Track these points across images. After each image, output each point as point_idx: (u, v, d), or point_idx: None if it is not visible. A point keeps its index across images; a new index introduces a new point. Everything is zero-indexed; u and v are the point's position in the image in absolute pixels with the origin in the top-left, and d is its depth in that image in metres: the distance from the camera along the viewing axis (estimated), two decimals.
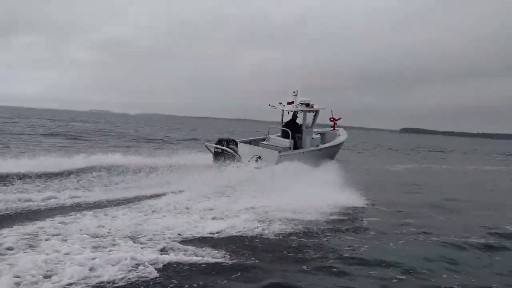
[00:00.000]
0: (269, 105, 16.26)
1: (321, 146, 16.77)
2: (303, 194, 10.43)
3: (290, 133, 15.50)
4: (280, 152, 14.64)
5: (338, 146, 17.71)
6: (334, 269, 6.13)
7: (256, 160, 14.26)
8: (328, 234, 8.05)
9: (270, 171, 13.00)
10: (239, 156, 14.22)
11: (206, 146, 15.57)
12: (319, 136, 17.35)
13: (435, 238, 8.25)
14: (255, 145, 15.64)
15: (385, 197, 13.05)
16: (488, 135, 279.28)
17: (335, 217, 9.44)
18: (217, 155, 14.46)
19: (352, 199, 11.18)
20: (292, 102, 16.14)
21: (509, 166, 34.54)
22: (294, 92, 16.38)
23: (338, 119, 18.60)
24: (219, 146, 14.50)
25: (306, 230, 8.10)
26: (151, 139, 35.07)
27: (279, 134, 16.54)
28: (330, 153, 17.09)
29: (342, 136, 18.31)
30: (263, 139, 16.50)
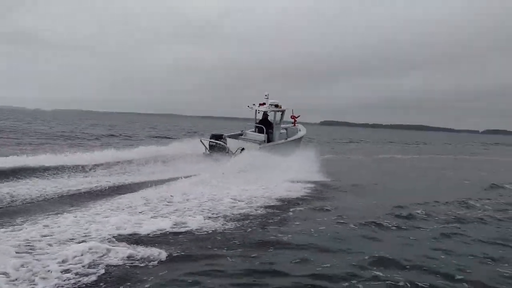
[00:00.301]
0: (248, 106, 19.69)
1: (289, 139, 19.96)
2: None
3: (264, 129, 18.82)
4: (260, 144, 18.14)
5: (301, 139, 21.18)
6: (256, 256, 6.58)
7: (240, 152, 17.35)
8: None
9: (252, 156, 16.62)
10: (228, 148, 17.66)
11: (201, 141, 18.62)
12: (285, 131, 20.50)
13: (349, 220, 9.12)
14: (236, 139, 18.56)
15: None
16: (400, 126, 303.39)
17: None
18: (211, 147, 18.07)
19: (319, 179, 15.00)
20: (264, 104, 19.36)
21: (421, 155, 37.62)
22: (265, 95, 19.59)
23: (298, 117, 21.32)
24: (213, 140, 18.18)
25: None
26: (66, 135, 33.52)
27: (253, 130, 19.57)
28: (297, 145, 20.31)
29: (302, 131, 21.53)
30: (241, 134, 19.50)
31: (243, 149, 17.52)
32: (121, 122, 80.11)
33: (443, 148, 55.37)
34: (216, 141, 18.19)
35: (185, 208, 9.27)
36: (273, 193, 11.64)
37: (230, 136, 18.76)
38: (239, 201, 10.39)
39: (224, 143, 18.01)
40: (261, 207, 9.95)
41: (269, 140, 19.03)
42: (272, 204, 10.44)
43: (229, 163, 15.82)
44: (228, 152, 17.48)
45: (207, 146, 18.25)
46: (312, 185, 13.58)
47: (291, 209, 10.05)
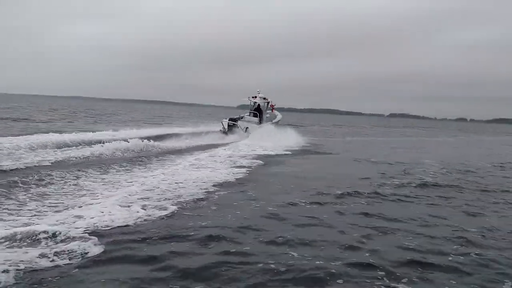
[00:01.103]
0: (248, 97, 29.65)
1: (274, 121, 30.39)
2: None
3: (258, 114, 28.75)
4: (257, 124, 27.96)
5: (279, 121, 31.61)
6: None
7: (245, 129, 27.02)
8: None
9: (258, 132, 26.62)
10: (239, 128, 27.35)
11: (221, 123, 28.51)
12: (269, 115, 30.68)
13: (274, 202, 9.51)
14: (243, 121, 28.16)
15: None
16: (314, 110, 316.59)
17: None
18: (229, 127, 27.75)
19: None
20: (256, 97, 29.61)
21: (345, 137, 39.66)
22: (258, 91, 29.79)
23: (274, 105, 31.13)
24: (232, 122, 27.97)
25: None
26: None
27: (248, 114, 29.10)
28: (278, 124, 30.33)
29: (279, 115, 32.21)
30: (241, 118, 28.77)
31: (247, 128, 27.22)
32: (23, 105, 73.44)
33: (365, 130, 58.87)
34: (234, 122, 27.97)
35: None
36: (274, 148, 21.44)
37: (238, 119, 28.47)
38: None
39: (236, 124, 27.76)
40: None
41: (260, 122, 28.59)
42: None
43: (252, 134, 26.08)
44: (238, 129, 27.45)
45: (225, 126, 27.98)
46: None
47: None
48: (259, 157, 17.72)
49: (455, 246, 6.98)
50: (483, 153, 28.38)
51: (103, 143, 17.07)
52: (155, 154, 16.84)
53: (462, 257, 6.45)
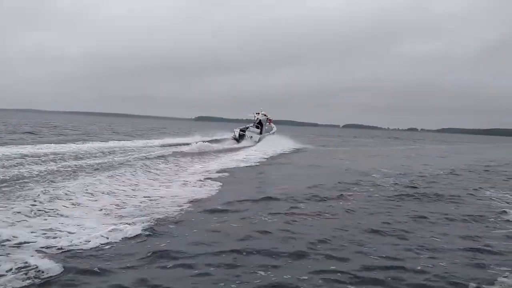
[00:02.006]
0: (253, 113, 40.41)
1: (271, 132, 40.62)
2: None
3: (260, 127, 38.60)
4: (259, 134, 37.16)
5: (275, 132, 41.64)
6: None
7: (251, 138, 35.72)
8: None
9: (260, 140, 36.18)
10: (247, 136, 35.84)
11: (234, 132, 37.02)
12: (267, 127, 40.22)
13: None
14: (250, 131, 37.09)
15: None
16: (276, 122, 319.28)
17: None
18: (240, 136, 36.07)
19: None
20: (258, 113, 40.04)
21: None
22: (261, 109, 40.76)
23: (271, 120, 42.03)
24: (243, 132, 36.55)
25: None
26: None
27: (253, 126, 38.61)
28: (274, 135, 40.44)
29: (274, 128, 42.61)
30: (247, 128, 37.69)
31: (251, 136, 36.26)
32: None
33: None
34: (243, 132, 36.85)
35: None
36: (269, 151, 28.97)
37: (247, 129, 37.59)
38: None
39: (243, 134, 36.65)
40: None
41: (261, 132, 38.25)
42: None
43: (261, 142, 35.29)
44: (246, 138, 36.01)
45: (237, 135, 36.72)
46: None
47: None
48: (278, 153, 29.13)
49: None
50: (436, 161, 29.72)
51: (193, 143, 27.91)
52: (212, 152, 26.04)
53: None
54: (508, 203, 12.32)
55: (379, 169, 19.76)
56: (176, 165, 18.17)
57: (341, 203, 11.19)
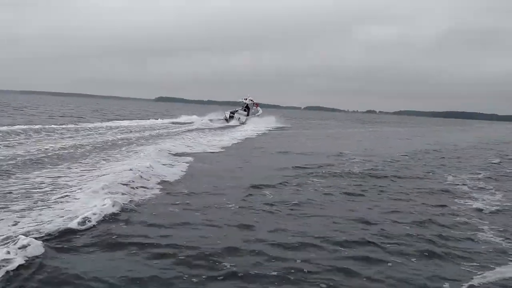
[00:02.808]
0: (242, 98, 49.78)
1: (256, 114, 49.25)
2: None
3: (247, 110, 47.75)
4: (246, 116, 45.97)
5: (260, 114, 50.52)
6: None
7: (238, 119, 44.13)
8: None
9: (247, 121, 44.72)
10: (235, 118, 44.32)
11: (225, 113, 45.47)
12: (253, 110, 49.17)
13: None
14: (238, 114, 45.41)
15: None
16: (233, 103, 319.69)
17: None
18: (230, 117, 44.57)
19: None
20: (246, 99, 49.17)
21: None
22: (248, 95, 49.97)
23: (258, 104, 52.09)
24: (232, 114, 45.23)
25: None
26: None
27: (241, 109, 47.50)
28: (260, 117, 48.63)
29: (260, 110, 51.82)
30: (236, 111, 46.06)
31: (239, 118, 44.10)
32: None
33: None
34: (233, 114, 44.76)
35: None
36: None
37: (236, 112, 45.83)
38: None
39: (232, 116, 44.71)
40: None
41: (248, 114, 46.65)
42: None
43: (248, 122, 43.32)
44: (235, 119, 43.91)
45: (227, 116, 44.81)
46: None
47: None
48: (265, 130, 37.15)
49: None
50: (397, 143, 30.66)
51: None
52: (215, 129, 35.43)
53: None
54: (464, 184, 12.94)
55: (343, 152, 20.18)
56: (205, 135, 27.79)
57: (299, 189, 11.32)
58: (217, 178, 11.88)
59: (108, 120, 35.49)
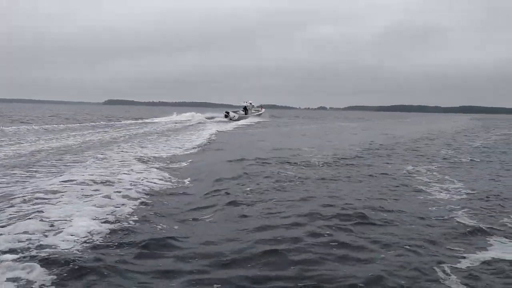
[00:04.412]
0: (244, 101, 70.95)
1: (256, 114, 70.01)
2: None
3: (245, 111, 67.63)
4: (244, 115, 64.58)
5: (260, 114, 71.27)
6: None
7: (233, 117, 59.18)
8: None
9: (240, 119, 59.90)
10: (229, 116, 58.96)
11: (224, 113, 60.60)
12: (255, 111, 71.89)
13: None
14: (235, 113, 61.82)
15: None
16: (185, 104, 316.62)
17: None
18: (226, 116, 59.21)
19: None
20: (246, 102, 70.52)
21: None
22: (248, 100, 72.04)
23: (262, 106, 79.59)
24: (227, 113, 59.95)
25: None
26: None
27: (242, 110, 67.22)
28: (259, 115, 69.64)
29: (263, 110, 74.95)
30: (237, 111, 64.20)
31: (234, 116, 59.41)
32: None
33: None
34: (229, 113, 59.59)
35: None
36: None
37: (235, 111, 62.85)
38: None
39: (228, 114, 59.28)
40: None
41: (246, 114, 65.27)
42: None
43: (247, 119, 60.18)
44: (230, 116, 58.72)
45: (225, 114, 59.45)
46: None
47: None
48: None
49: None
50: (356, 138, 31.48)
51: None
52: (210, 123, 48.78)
53: None
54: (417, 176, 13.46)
55: (302, 148, 20.43)
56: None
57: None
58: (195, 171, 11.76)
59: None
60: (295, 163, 14.94)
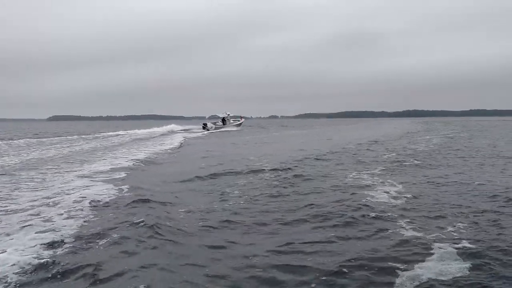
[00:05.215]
0: (223, 113, 74.72)
1: (232, 124, 73.25)
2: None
3: (224, 122, 72.45)
4: (218, 126, 69.33)
5: (239, 125, 76.62)
6: None
7: (211, 127, 65.94)
8: None
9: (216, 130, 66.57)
10: (207, 127, 65.54)
11: (202, 124, 67.35)
12: (234, 122, 75.53)
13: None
14: (213, 124, 68.96)
15: None
16: (133, 117, 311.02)
17: None
18: (204, 127, 65.55)
19: None
20: (224, 113, 74.44)
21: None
22: (226, 111, 75.08)
23: (242, 117, 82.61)
24: (205, 125, 66.49)
25: None
26: None
27: (219, 121, 72.10)
28: (237, 126, 74.77)
29: (241, 121, 78.93)
30: (215, 123, 70.22)
31: (211, 126, 66.11)
32: None
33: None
34: (206, 125, 66.05)
35: None
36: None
37: (213, 123, 69.31)
38: None
39: (205, 126, 65.65)
40: None
41: (223, 124, 70.61)
42: None
43: (214, 130, 64.26)
44: (207, 127, 65.27)
45: (203, 126, 65.49)
46: None
47: None
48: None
49: None
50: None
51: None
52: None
53: None
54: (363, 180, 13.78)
55: (247, 157, 20.47)
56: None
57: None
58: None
59: None
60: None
